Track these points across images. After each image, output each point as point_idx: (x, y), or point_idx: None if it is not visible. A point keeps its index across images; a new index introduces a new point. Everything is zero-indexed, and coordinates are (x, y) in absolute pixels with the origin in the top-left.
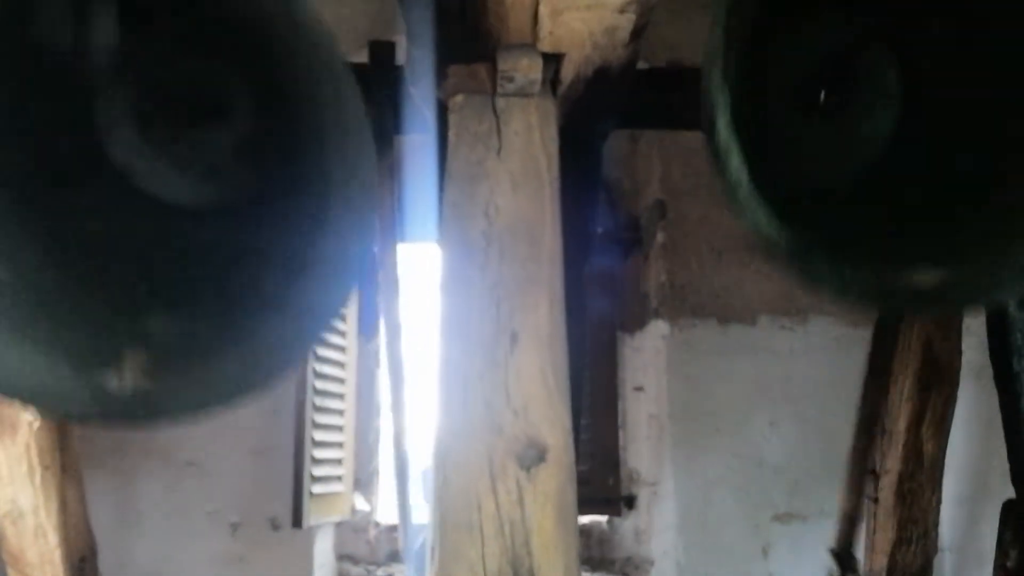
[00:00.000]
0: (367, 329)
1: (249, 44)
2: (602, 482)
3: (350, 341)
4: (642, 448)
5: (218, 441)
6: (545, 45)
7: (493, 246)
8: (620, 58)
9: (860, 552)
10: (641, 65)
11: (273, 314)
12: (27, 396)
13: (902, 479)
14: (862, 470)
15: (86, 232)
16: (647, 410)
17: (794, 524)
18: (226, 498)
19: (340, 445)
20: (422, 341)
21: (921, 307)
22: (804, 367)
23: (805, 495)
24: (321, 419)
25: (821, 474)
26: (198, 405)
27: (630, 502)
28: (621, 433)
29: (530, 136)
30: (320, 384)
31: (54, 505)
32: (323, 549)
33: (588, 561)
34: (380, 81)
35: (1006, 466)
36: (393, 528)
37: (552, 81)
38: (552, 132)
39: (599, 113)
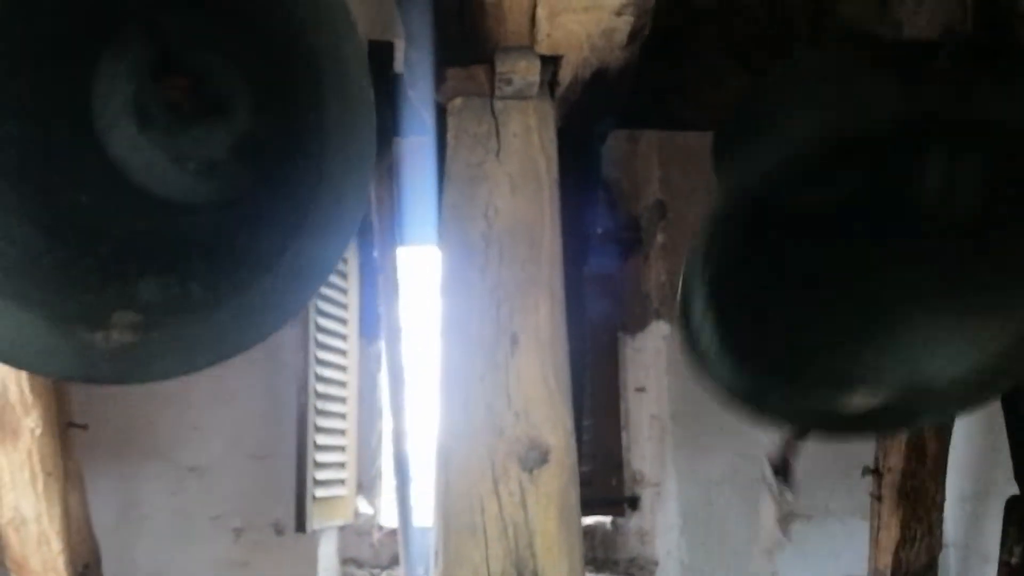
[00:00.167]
0: (368, 332)
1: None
2: (605, 483)
3: (351, 344)
4: (645, 449)
5: (220, 446)
6: (543, 47)
7: (493, 248)
8: (618, 60)
9: (863, 553)
10: None
11: (266, 271)
12: (8, 354)
13: (905, 477)
14: None
15: (79, 210)
16: (649, 411)
17: (798, 523)
18: (229, 503)
19: (342, 448)
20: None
21: (855, 430)
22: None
23: (809, 494)
24: (323, 423)
25: (825, 473)
26: (187, 361)
27: (633, 503)
28: (623, 434)
29: (529, 138)
30: (322, 388)
31: (57, 512)
32: (327, 553)
33: (592, 562)
34: (378, 82)
35: (1009, 463)
36: (396, 531)
37: (550, 83)
38: (551, 134)
39: (597, 115)
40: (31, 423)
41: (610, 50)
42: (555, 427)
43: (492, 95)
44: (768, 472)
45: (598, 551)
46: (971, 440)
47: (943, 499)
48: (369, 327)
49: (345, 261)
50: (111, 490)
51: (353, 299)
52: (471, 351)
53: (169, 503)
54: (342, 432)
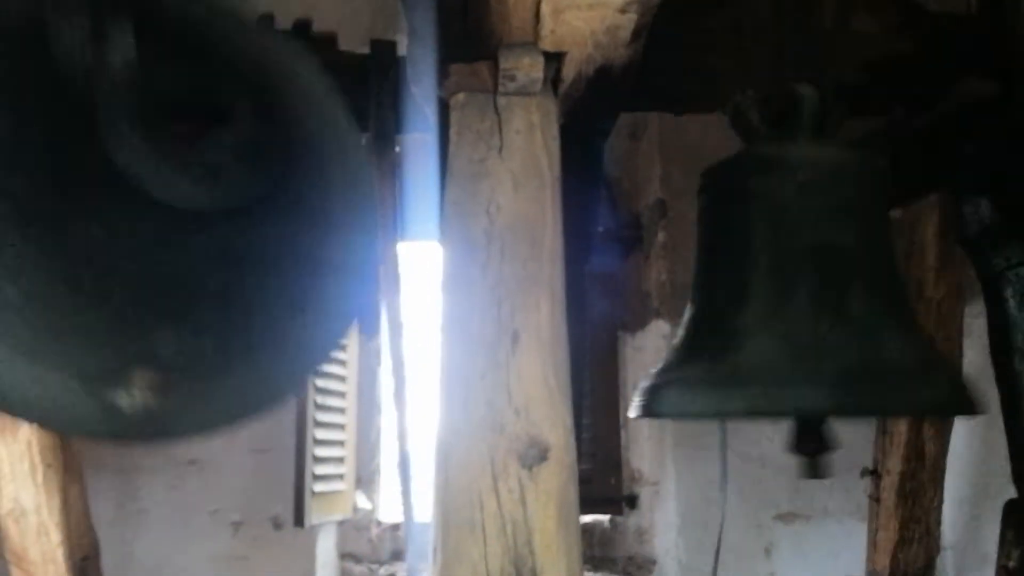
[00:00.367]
0: (368, 327)
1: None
2: (604, 481)
3: (351, 339)
4: (644, 447)
5: (220, 440)
6: (547, 44)
7: (494, 245)
8: (622, 57)
9: (860, 554)
10: None
11: (279, 330)
12: (39, 416)
13: (904, 479)
14: None
15: (92, 247)
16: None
17: (797, 524)
18: (228, 497)
19: (342, 443)
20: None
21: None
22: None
23: (808, 495)
24: (322, 417)
25: None
26: (205, 423)
27: (632, 501)
28: (623, 432)
29: (531, 135)
30: (321, 382)
31: (56, 503)
32: (325, 548)
33: (590, 560)
34: (381, 79)
35: (1007, 466)
36: (395, 526)
37: (554, 80)
38: (553, 131)
39: (601, 112)
40: None
41: (614, 47)
42: (555, 425)
43: (495, 91)
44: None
45: (596, 549)
46: (970, 442)
47: (941, 501)
48: (368, 322)
49: None
50: (110, 483)
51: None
52: (472, 348)
53: (168, 497)
54: (341, 427)
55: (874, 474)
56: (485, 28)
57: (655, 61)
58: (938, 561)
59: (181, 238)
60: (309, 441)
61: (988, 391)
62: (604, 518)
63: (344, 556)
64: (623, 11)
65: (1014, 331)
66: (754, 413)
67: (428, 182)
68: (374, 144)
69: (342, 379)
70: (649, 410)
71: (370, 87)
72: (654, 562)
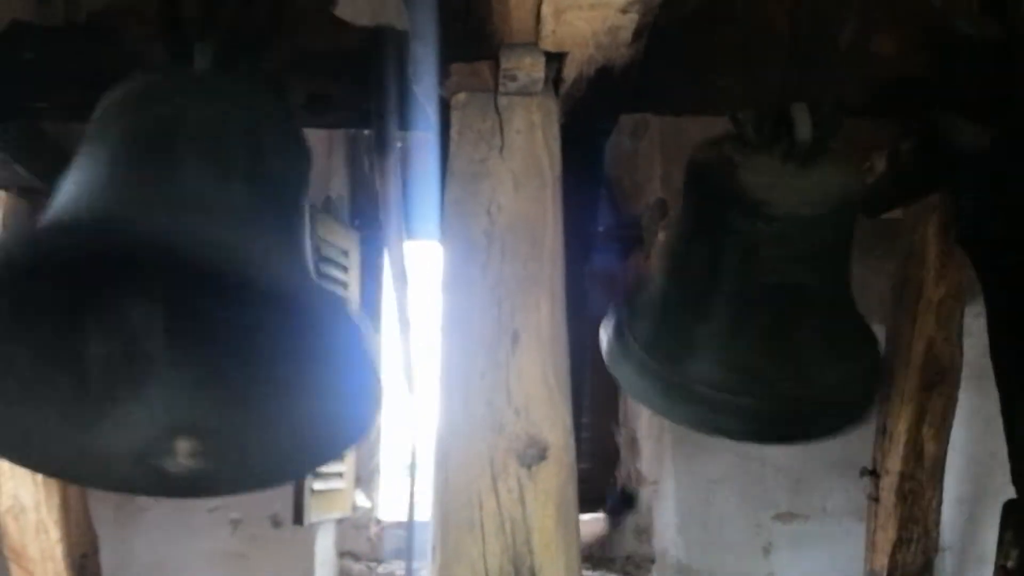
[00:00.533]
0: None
1: None
2: (603, 481)
3: None
4: (643, 447)
5: None
6: (548, 44)
7: (495, 245)
8: (623, 57)
9: (859, 554)
10: None
11: (309, 405)
12: (98, 483)
13: (903, 479)
14: None
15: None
16: (648, 409)
17: (795, 523)
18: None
19: None
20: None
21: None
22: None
23: (806, 494)
24: None
25: (823, 473)
26: (241, 484)
27: (631, 501)
28: (623, 432)
29: (532, 135)
30: None
31: (55, 501)
32: (324, 546)
33: (589, 559)
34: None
35: (1007, 466)
36: (394, 525)
37: (555, 80)
38: (554, 131)
39: (601, 112)
40: None
41: (615, 47)
42: (554, 425)
43: (496, 91)
44: None
45: (595, 549)
46: (969, 443)
47: (940, 501)
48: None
49: (346, 254)
50: None
51: (354, 293)
52: (472, 348)
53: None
54: None
55: (873, 474)
56: (486, 28)
57: (659, 74)
58: (937, 561)
59: (227, 330)
60: None
61: (989, 391)
62: (603, 517)
63: (343, 554)
64: (624, 11)
65: (1014, 332)
66: (689, 426)
67: (429, 181)
68: (376, 140)
69: None
70: (609, 365)
71: (371, 79)
72: (653, 561)
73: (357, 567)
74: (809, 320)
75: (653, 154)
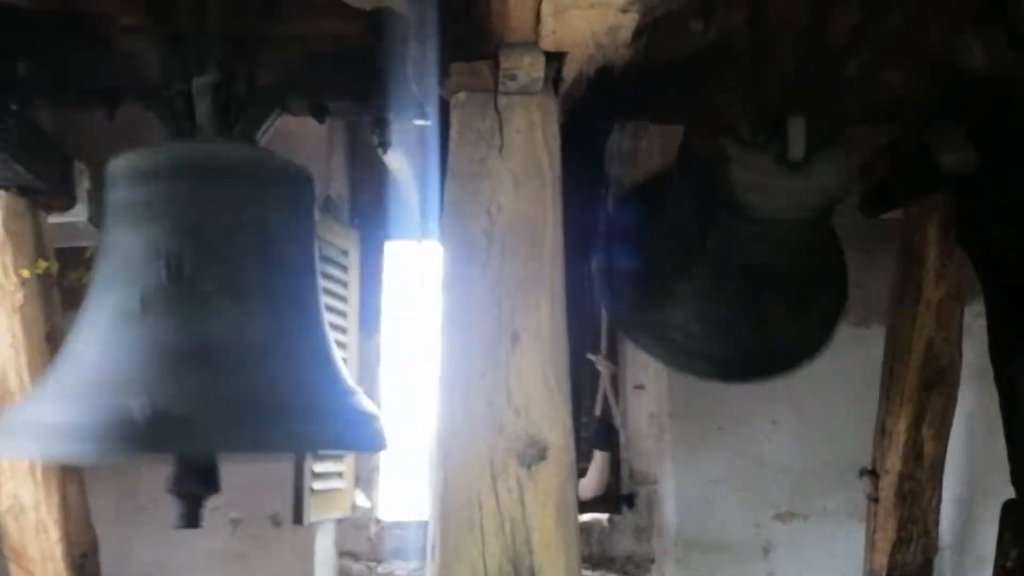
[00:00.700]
0: (368, 326)
1: None
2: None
3: (351, 338)
4: (643, 447)
5: None
6: (548, 44)
7: (495, 245)
8: (623, 57)
9: (859, 553)
10: None
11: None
12: None
13: (902, 479)
14: None
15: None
16: (648, 409)
17: (795, 523)
18: (227, 494)
19: None
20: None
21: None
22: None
23: (806, 494)
24: None
25: (822, 473)
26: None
27: (630, 500)
28: (622, 432)
29: (532, 134)
30: None
31: (55, 501)
32: (324, 546)
33: (588, 559)
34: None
35: (1006, 466)
36: (394, 525)
37: (554, 80)
38: (554, 130)
39: (601, 112)
40: None
41: (615, 47)
42: (554, 424)
43: (496, 91)
44: None
45: (595, 548)
46: (969, 443)
47: (939, 501)
48: (368, 321)
49: (346, 254)
50: (109, 480)
51: (353, 292)
52: (472, 348)
53: (167, 494)
54: None
55: (872, 474)
56: (486, 28)
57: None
58: (936, 561)
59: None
60: None
61: (988, 391)
62: (603, 517)
63: (343, 554)
64: (625, 11)
65: (1014, 332)
66: (663, 364)
67: (429, 180)
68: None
69: None
70: (607, 308)
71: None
72: (652, 561)
73: (357, 567)
74: (777, 291)
75: (653, 154)
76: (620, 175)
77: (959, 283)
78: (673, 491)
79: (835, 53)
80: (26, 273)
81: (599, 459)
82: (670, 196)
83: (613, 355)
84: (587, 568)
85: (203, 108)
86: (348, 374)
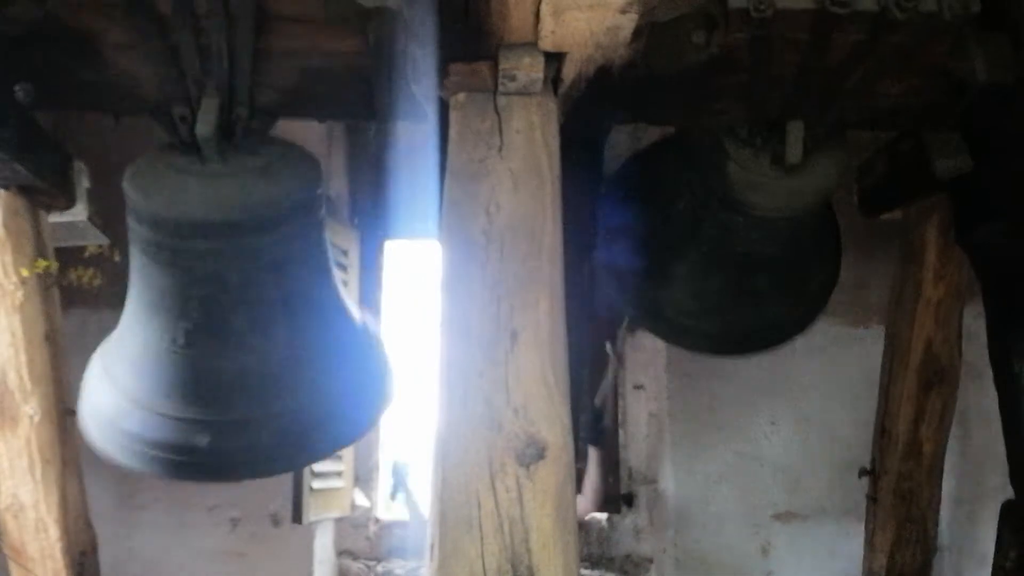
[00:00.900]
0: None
1: None
2: (602, 480)
3: None
4: (642, 446)
5: None
6: (547, 44)
7: (494, 244)
8: (622, 57)
9: (858, 553)
10: None
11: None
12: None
13: (901, 479)
14: None
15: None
16: (647, 408)
17: (794, 523)
18: (226, 493)
19: None
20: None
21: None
22: (805, 366)
23: (805, 494)
24: None
25: (821, 473)
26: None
27: (629, 500)
28: (621, 431)
29: (532, 134)
30: None
31: (55, 499)
32: (323, 545)
33: (587, 558)
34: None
35: (1005, 466)
36: (393, 524)
37: (554, 80)
38: (553, 130)
39: (601, 111)
40: (30, 410)
41: (614, 47)
42: (553, 424)
43: (495, 91)
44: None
45: (593, 548)
46: (968, 443)
47: (938, 501)
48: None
49: (346, 253)
50: (109, 479)
51: (353, 292)
52: (471, 347)
53: (166, 493)
54: None
55: (871, 474)
56: (485, 28)
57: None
58: (935, 561)
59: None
60: None
61: (988, 392)
62: (601, 516)
63: (341, 553)
64: (624, 11)
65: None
66: (657, 336)
67: (428, 180)
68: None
69: None
70: (608, 286)
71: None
72: (651, 560)
73: (356, 566)
74: (768, 272)
75: None
76: None
77: (959, 283)
78: (672, 491)
79: (836, 68)
80: (26, 272)
81: (593, 471)
82: (666, 179)
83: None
84: (586, 568)
85: (206, 130)
86: (369, 339)
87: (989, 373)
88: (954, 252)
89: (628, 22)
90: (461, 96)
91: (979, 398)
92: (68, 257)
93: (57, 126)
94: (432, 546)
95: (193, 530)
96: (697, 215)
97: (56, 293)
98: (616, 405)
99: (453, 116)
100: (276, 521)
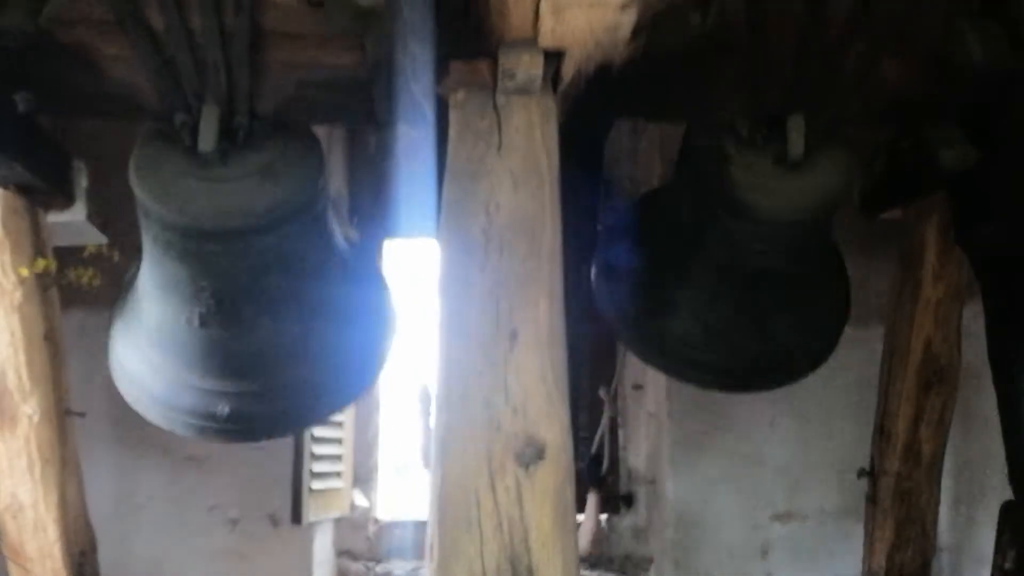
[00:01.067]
0: None
1: None
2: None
3: None
4: (641, 447)
5: None
6: (547, 42)
7: (493, 243)
8: (622, 56)
9: (857, 554)
10: None
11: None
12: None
13: (900, 479)
14: None
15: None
16: (646, 409)
17: (793, 524)
18: (225, 493)
19: (339, 441)
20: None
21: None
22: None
23: (805, 495)
24: None
25: (821, 474)
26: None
27: (629, 500)
28: (621, 431)
29: (531, 133)
30: None
31: (54, 499)
32: (322, 545)
33: (586, 559)
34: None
35: (1004, 467)
36: (392, 524)
37: (553, 78)
38: (553, 129)
39: (600, 111)
40: (29, 410)
41: (614, 45)
42: (552, 424)
43: (495, 89)
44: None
45: (593, 548)
46: (967, 444)
47: (937, 502)
48: None
49: None
50: (108, 478)
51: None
52: (470, 346)
53: (166, 492)
54: (339, 424)
55: (871, 474)
56: (485, 26)
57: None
58: (934, 562)
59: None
60: (307, 438)
61: (987, 392)
62: (601, 516)
63: (341, 553)
64: (624, 9)
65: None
66: (664, 372)
67: (427, 179)
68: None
69: None
70: (600, 308)
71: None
72: (650, 561)
73: (355, 566)
74: (777, 294)
75: (653, 154)
76: (620, 175)
77: (958, 283)
78: (672, 491)
79: (832, 44)
80: (24, 272)
81: (590, 514)
82: (667, 200)
83: (611, 356)
84: (585, 568)
85: (208, 144)
86: (372, 296)
87: (989, 373)
88: (954, 252)
89: (627, 20)
90: (460, 94)
91: (979, 398)
92: (67, 257)
93: (56, 126)
94: (432, 546)
95: (192, 530)
96: (701, 229)
97: (55, 293)
98: (615, 447)
99: (452, 114)
100: (275, 521)
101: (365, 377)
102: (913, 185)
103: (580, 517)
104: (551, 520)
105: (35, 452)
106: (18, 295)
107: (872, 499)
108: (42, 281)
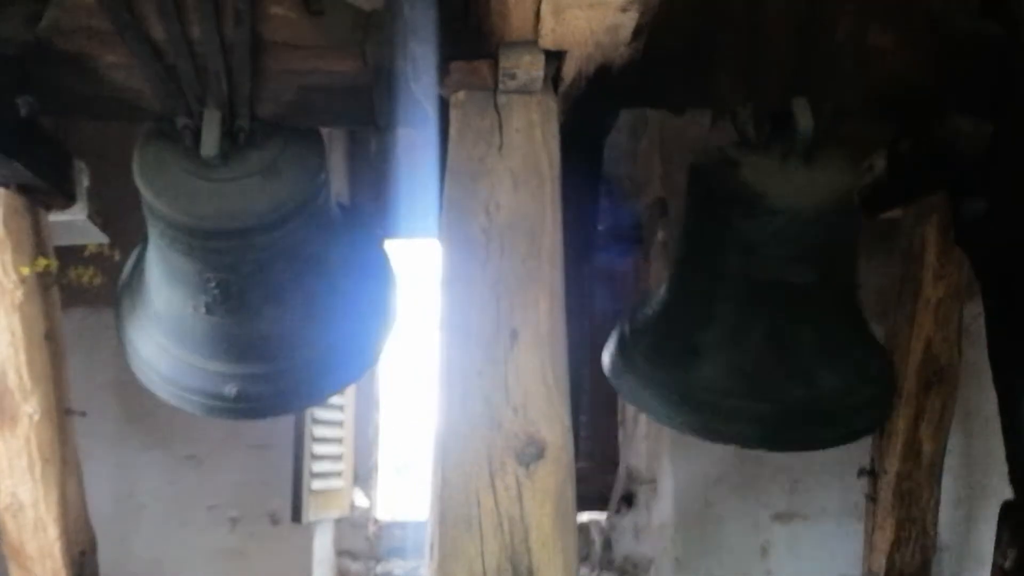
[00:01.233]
0: None
1: None
2: (601, 480)
3: None
4: (641, 446)
5: (218, 435)
6: (547, 43)
7: (493, 243)
8: (622, 56)
9: (857, 554)
10: None
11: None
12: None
13: (900, 479)
14: None
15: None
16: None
17: (794, 523)
18: (226, 493)
19: (340, 441)
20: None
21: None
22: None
23: (805, 494)
24: (321, 415)
25: (821, 473)
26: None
27: (629, 500)
28: (621, 431)
29: (531, 133)
30: None
31: (54, 498)
32: (322, 544)
33: (587, 559)
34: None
35: (1005, 467)
36: (392, 524)
37: (554, 79)
38: (553, 129)
39: (601, 111)
40: (30, 409)
41: (614, 46)
42: (552, 423)
43: (496, 89)
44: None
45: (593, 548)
46: (967, 443)
47: (938, 501)
48: None
49: None
50: (108, 478)
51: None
52: (470, 346)
53: (166, 492)
54: (339, 424)
55: (871, 474)
56: (486, 26)
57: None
58: (934, 562)
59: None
60: (307, 438)
61: (987, 391)
62: (601, 516)
63: (341, 553)
64: (624, 10)
65: (1013, 332)
66: (696, 435)
67: (427, 179)
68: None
69: None
70: (611, 378)
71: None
72: (651, 560)
73: (355, 566)
74: (810, 320)
75: (653, 154)
76: (620, 175)
77: (958, 283)
78: (672, 491)
79: (824, 16)
80: (25, 271)
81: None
82: (677, 246)
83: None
84: (585, 568)
85: (211, 150)
86: (375, 276)
87: (989, 373)
88: (954, 252)
89: (628, 21)
90: (461, 94)
91: (979, 398)
92: (68, 256)
93: (57, 125)
94: (431, 545)
95: (192, 529)
96: (716, 243)
97: (56, 292)
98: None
99: (453, 115)
100: (275, 521)
101: (366, 358)
102: (914, 185)
103: (582, 516)
104: (551, 520)
105: (35, 451)
106: (19, 294)
107: (872, 499)
108: (43, 280)
